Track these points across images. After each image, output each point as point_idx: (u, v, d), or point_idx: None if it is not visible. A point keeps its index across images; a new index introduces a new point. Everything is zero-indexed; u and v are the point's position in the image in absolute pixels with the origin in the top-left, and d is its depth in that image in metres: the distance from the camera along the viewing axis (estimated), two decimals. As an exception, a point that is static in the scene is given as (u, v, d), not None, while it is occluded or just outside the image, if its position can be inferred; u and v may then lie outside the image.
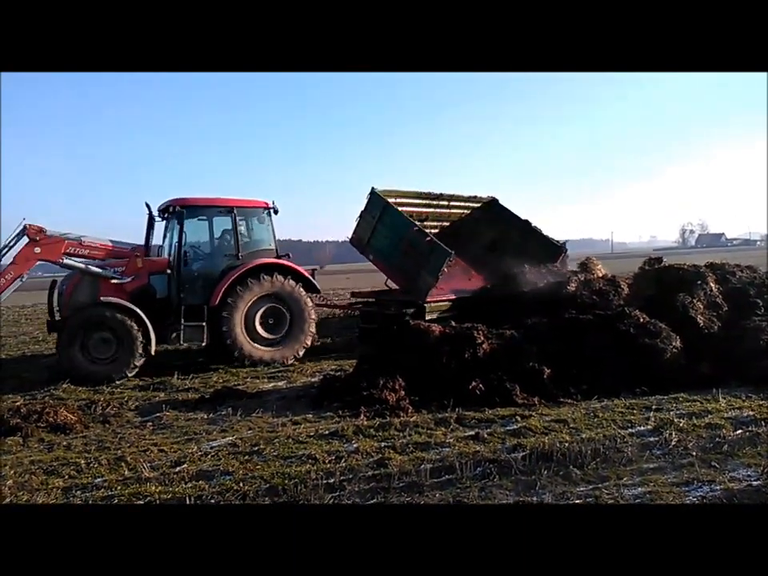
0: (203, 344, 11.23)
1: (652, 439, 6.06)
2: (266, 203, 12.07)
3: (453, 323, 9.31)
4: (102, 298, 10.37)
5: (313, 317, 11.89)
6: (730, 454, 5.60)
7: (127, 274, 10.87)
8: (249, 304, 11.20)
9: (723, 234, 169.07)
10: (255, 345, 11.28)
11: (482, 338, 8.49)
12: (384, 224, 13.41)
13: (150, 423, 7.56)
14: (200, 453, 6.16)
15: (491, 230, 15.15)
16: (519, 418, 6.91)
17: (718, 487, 4.85)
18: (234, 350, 11.11)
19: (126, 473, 5.66)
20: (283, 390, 9.26)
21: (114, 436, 7.03)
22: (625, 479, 5.08)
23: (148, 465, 5.78)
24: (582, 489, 4.95)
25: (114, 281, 10.69)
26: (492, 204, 15.86)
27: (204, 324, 10.91)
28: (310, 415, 7.51)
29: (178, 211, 11.19)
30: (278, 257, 11.86)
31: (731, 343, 8.66)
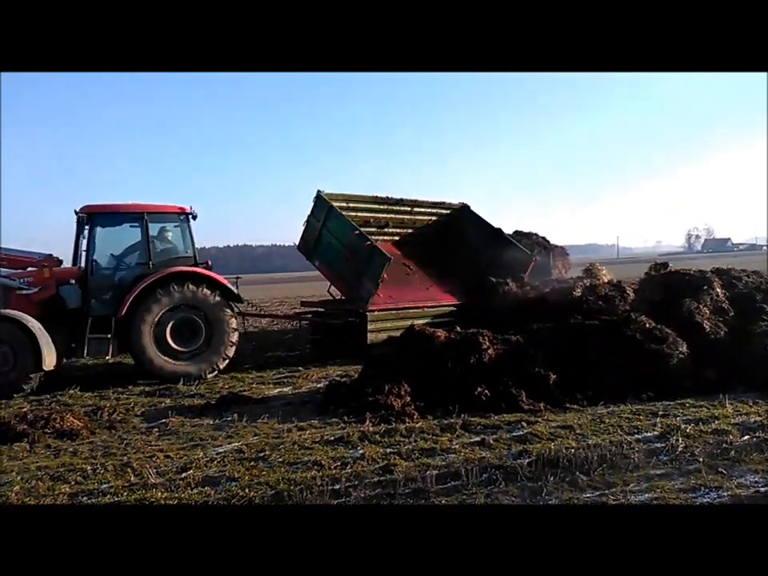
0: (107, 357, 10.89)
1: (658, 445, 6.04)
2: (182, 208, 11.42)
3: (458, 328, 9.30)
4: None
5: (233, 326, 11.19)
6: (737, 459, 5.57)
7: (34, 284, 10.45)
8: (159, 315, 10.63)
9: (729, 238, 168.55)
10: (166, 358, 10.68)
11: (488, 344, 8.49)
12: (328, 229, 13.00)
13: (156, 429, 7.57)
14: (206, 459, 6.17)
15: (460, 237, 14.79)
16: (525, 424, 6.90)
17: (725, 493, 4.82)
18: (143, 364, 10.66)
19: (132, 479, 5.67)
20: (288, 395, 9.26)
21: (120, 442, 7.04)
22: (631, 485, 5.06)
23: (154, 471, 5.78)
24: (588, 495, 4.93)
25: (20, 291, 10.34)
26: (462, 211, 15.40)
27: (109, 336, 10.45)
28: (316, 421, 7.51)
29: (80, 218, 10.82)
30: (196, 265, 11.24)
31: (738, 349, 8.65)
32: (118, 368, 12.28)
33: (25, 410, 8.44)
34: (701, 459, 5.61)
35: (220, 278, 11.42)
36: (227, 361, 11.22)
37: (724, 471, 5.30)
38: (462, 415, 7.23)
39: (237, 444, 6.66)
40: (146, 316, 10.54)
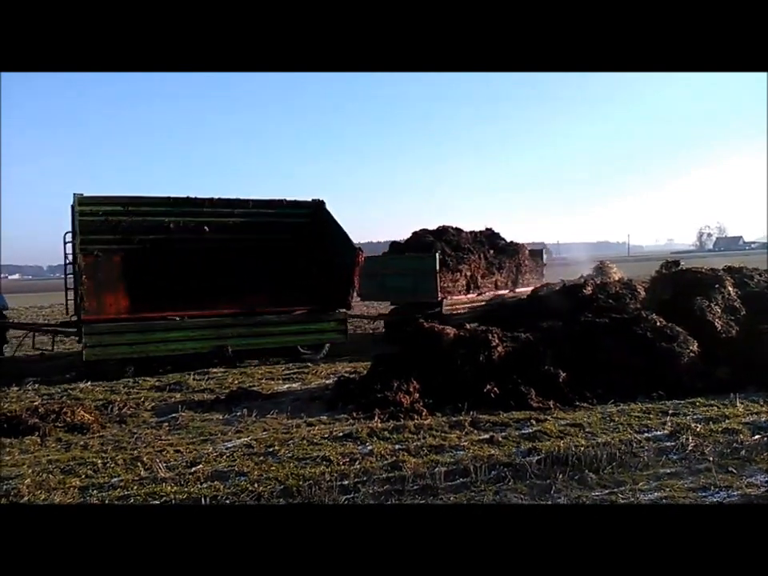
0: None
1: (668, 444, 6.02)
2: None
3: (468, 326, 9.29)
4: None
5: None
6: (747, 459, 5.55)
7: None
8: None
9: (741, 237, 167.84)
10: None
11: (497, 341, 8.48)
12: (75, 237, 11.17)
13: (166, 423, 7.61)
14: (215, 453, 6.19)
15: (302, 238, 13.30)
16: (534, 422, 6.89)
17: (735, 493, 4.81)
18: None
19: (142, 473, 5.70)
20: (298, 391, 9.29)
21: (131, 436, 7.07)
22: (641, 484, 5.04)
23: (164, 465, 5.81)
24: (597, 493, 4.92)
25: None
26: (317, 209, 13.38)
27: None
28: (325, 417, 7.53)
29: None
30: None
31: (749, 348, 8.60)
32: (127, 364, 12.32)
33: (36, 403, 8.49)
34: (711, 458, 5.58)
35: None
36: None
37: (734, 470, 5.28)
38: (471, 412, 7.23)
39: (246, 439, 6.68)
40: None
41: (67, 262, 11.13)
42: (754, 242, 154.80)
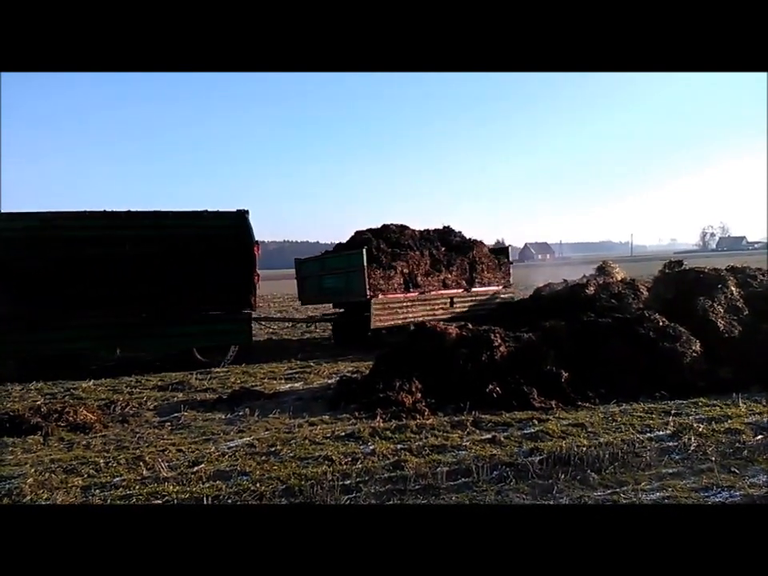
0: None
1: (671, 444, 6.01)
2: None
3: (470, 326, 9.28)
4: None
5: None
6: (749, 459, 5.53)
7: None
8: None
9: (744, 237, 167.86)
10: None
11: (500, 341, 8.47)
12: None
13: (169, 423, 7.61)
14: (217, 453, 6.20)
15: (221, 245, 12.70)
16: (536, 422, 6.88)
17: (737, 493, 4.79)
18: None
19: (145, 472, 5.71)
20: (300, 391, 9.30)
21: (133, 436, 7.09)
22: (643, 484, 5.04)
23: (166, 464, 5.82)
24: (599, 493, 4.91)
25: None
26: (240, 218, 12.80)
27: None
28: (327, 417, 7.53)
29: None
30: None
31: (752, 348, 8.58)
32: (131, 362, 12.35)
33: (39, 402, 8.53)
34: (713, 458, 5.57)
35: None
36: None
37: (737, 471, 5.27)
38: (473, 412, 7.22)
39: (248, 439, 6.69)
40: None
41: None
42: (757, 242, 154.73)
